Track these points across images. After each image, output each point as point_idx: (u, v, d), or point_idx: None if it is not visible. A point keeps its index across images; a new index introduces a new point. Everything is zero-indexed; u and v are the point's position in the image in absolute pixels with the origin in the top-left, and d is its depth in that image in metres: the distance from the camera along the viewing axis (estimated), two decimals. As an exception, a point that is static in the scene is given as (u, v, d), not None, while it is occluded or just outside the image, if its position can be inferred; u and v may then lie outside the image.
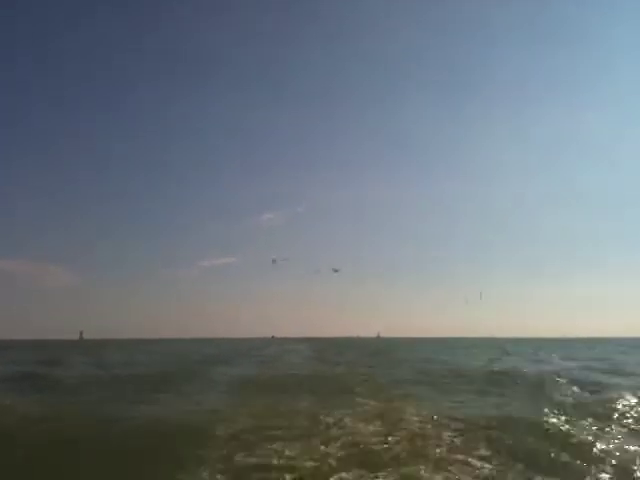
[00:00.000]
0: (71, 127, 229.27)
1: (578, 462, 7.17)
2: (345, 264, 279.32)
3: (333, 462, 6.94)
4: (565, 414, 10.30)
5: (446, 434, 8.53)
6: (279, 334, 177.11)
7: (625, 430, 9.24)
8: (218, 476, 6.56)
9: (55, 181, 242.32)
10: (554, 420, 9.72)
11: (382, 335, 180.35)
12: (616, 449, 7.80)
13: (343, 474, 6.46)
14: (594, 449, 7.77)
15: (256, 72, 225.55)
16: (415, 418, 9.69)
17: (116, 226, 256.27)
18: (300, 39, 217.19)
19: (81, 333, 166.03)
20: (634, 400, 11.92)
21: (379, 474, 6.48)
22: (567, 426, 9.25)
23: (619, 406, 11.31)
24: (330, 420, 9.37)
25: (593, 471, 6.85)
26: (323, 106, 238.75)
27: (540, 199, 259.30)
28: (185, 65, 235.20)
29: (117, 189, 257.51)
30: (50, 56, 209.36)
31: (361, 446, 7.69)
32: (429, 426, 9.07)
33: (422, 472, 6.55)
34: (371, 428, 8.82)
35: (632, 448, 7.94)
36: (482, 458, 7.17)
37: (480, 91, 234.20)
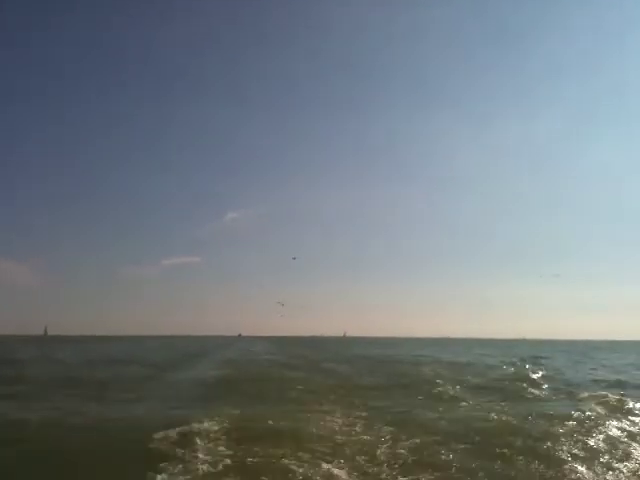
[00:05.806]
0: (36, 126, 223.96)
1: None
2: (310, 264, 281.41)
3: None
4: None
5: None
6: (246, 332, 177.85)
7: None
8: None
9: (18, 178, 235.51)
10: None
11: (348, 334, 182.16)
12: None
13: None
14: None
15: (223, 77, 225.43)
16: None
17: (80, 224, 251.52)
18: (264, 45, 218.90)
19: (45, 329, 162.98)
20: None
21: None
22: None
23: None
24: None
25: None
26: (285, 110, 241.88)
27: (502, 204, 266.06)
28: (153, 71, 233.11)
29: (81, 188, 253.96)
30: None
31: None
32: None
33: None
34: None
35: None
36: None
37: (446, 100, 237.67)
